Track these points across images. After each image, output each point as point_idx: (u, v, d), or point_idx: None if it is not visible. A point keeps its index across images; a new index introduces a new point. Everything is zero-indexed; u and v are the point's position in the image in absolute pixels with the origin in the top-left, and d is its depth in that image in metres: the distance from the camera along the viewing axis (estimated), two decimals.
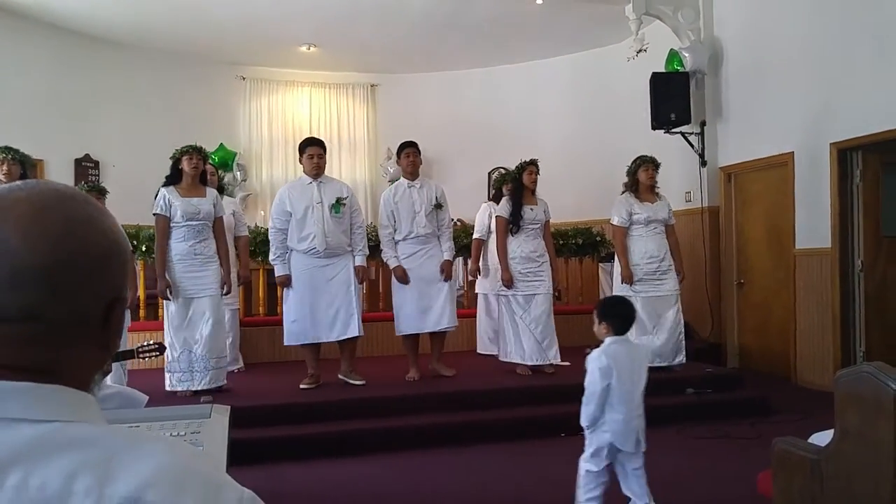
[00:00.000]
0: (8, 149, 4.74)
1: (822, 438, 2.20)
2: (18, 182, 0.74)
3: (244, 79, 9.67)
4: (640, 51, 7.15)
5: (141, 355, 3.49)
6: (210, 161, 5.99)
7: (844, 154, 5.97)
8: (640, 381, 3.15)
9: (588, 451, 3.16)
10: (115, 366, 4.67)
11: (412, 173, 5.51)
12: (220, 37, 8.53)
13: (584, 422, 3.15)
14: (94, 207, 0.74)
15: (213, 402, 2.82)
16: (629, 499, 3.16)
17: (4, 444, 0.63)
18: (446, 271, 5.45)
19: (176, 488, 0.64)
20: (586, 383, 3.12)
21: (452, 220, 5.96)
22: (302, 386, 5.13)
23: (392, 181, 9.60)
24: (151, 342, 3.50)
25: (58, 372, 0.69)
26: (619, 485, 3.18)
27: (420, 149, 5.59)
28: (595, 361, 3.10)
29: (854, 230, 5.99)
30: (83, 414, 0.69)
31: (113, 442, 0.66)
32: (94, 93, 8.36)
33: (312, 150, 5.16)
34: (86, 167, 8.32)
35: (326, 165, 5.29)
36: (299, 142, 5.41)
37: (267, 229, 7.06)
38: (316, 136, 9.77)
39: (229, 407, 2.28)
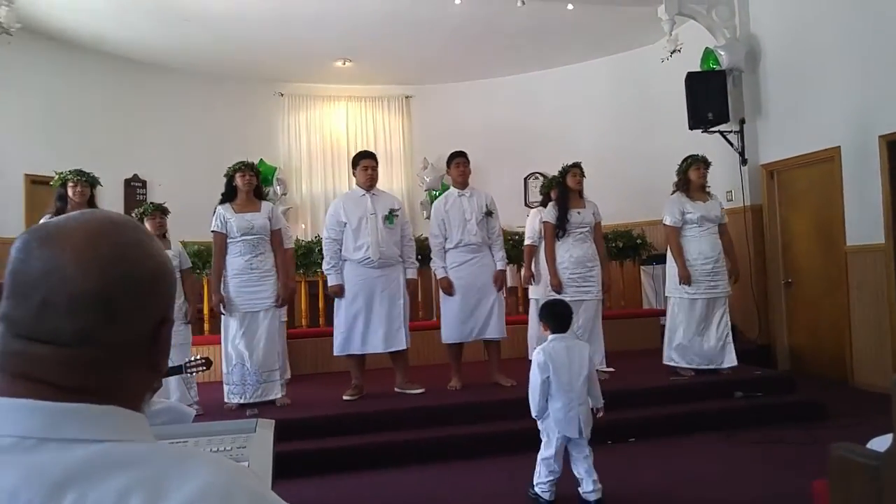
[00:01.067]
0: (80, 172, 4.91)
1: (881, 443, 2.11)
2: (75, 213, 0.78)
3: (282, 95, 9.86)
4: (673, 51, 7.06)
5: (189, 370, 3.55)
6: None
7: (894, 146, 5.78)
8: (580, 374, 3.48)
9: (543, 440, 3.58)
10: (177, 381, 4.79)
11: (462, 183, 5.53)
12: (258, 56, 8.74)
13: (533, 412, 3.55)
14: (142, 232, 0.78)
15: (259, 415, 2.84)
16: (580, 481, 3.55)
17: (61, 464, 0.65)
18: (499, 281, 5.46)
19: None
20: (530, 377, 3.54)
21: None
22: (345, 397, 5.16)
23: (428, 191, 9.67)
24: (199, 357, 3.55)
25: (110, 392, 0.72)
26: (571, 467, 3.58)
27: (469, 158, 5.58)
28: (535, 358, 3.53)
29: None
30: (134, 433, 0.71)
31: (163, 460, 0.68)
32: (141, 115, 8.69)
33: (366, 162, 5.28)
34: (134, 187, 8.63)
35: (375, 178, 5.37)
36: (353, 155, 5.53)
37: (308, 242, 7.20)
38: (352, 148, 9.96)
39: (273, 421, 2.29)
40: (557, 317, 3.64)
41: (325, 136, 10.05)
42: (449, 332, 5.43)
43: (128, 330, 0.73)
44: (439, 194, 9.67)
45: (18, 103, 7.53)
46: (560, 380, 3.45)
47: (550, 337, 3.59)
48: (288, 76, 9.65)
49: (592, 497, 3.50)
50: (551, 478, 3.56)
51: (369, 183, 5.25)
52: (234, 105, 9.42)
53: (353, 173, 5.38)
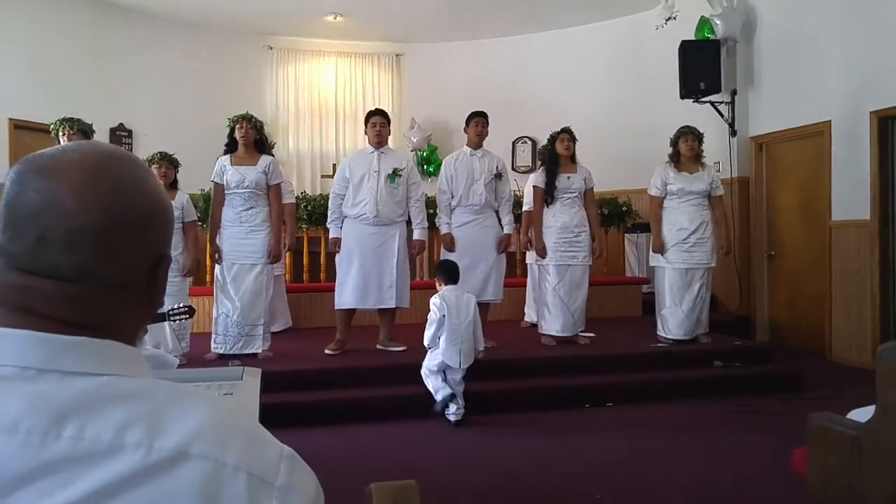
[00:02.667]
0: (70, 120, 4.82)
1: (861, 415, 2.13)
2: (70, 143, 0.76)
3: (271, 48, 9.65)
4: (669, 18, 6.97)
5: (172, 318, 3.52)
6: None
7: (885, 123, 5.77)
8: (466, 318, 4.34)
9: (429, 363, 4.42)
10: (169, 332, 4.78)
11: (477, 143, 5.54)
12: (247, 7, 8.50)
13: (426, 342, 4.43)
14: (139, 168, 0.77)
15: (243, 366, 2.84)
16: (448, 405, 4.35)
17: (62, 395, 0.64)
18: (504, 244, 5.49)
19: (220, 442, 0.66)
20: (429, 316, 4.40)
21: None
22: (327, 351, 5.20)
23: (415, 151, 9.57)
24: (182, 305, 3.52)
25: (108, 328, 0.71)
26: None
27: (488, 120, 5.58)
28: (433, 301, 4.42)
29: (894, 201, 5.81)
30: (133, 368, 0.71)
31: (161, 396, 0.68)
32: (128, 63, 8.47)
33: (375, 119, 5.30)
34: (120, 136, 8.44)
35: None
36: (366, 112, 5.56)
37: (297, 197, 7.14)
38: (341, 105, 9.83)
39: (260, 370, 2.32)
40: (449, 272, 4.58)
41: (313, 91, 9.87)
42: None
43: (126, 266, 0.73)
44: (426, 155, 9.67)
45: (1, 46, 7.30)
46: (451, 320, 4.30)
47: (445, 288, 4.49)
48: (277, 29, 9.42)
49: (453, 418, 4.32)
50: (444, 384, 4.34)
51: (377, 140, 5.25)
52: (221, 56, 9.19)
53: (365, 132, 5.41)
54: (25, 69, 7.48)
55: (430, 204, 5.99)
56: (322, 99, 9.85)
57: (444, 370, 4.35)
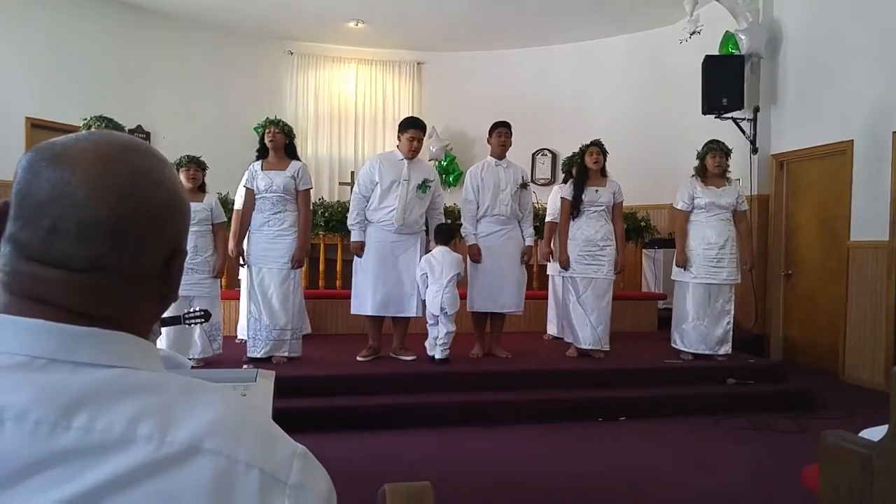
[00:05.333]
0: (103, 118, 4.86)
1: (873, 434, 2.11)
2: (84, 132, 0.74)
3: (291, 53, 9.72)
4: (693, 32, 6.94)
5: (187, 322, 3.54)
6: None
7: None
8: (449, 272, 4.93)
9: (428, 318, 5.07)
10: (200, 333, 4.81)
11: (501, 153, 5.56)
12: (269, 12, 8.59)
13: (421, 296, 5.02)
14: (156, 160, 0.75)
15: (256, 369, 2.86)
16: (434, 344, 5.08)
17: (72, 386, 0.64)
18: (527, 255, 5.52)
19: (232, 438, 0.65)
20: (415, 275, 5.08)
21: None
22: (359, 357, 5.23)
23: (432, 160, 9.60)
24: (198, 309, 3.54)
25: (121, 320, 0.70)
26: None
27: (511, 130, 5.60)
28: (423, 260, 5.02)
29: None
30: (146, 362, 0.70)
31: (174, 390, 0.67)
32: (146, 65, 8.52)
33: (414, 132, 5.19)
34: (139, 138, 8.46)
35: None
36: (402, 118, 5.46)
37: (314, 203, 7.16)
38: (360, 112, 9.89)
39: (274, 373, 2.34)
40: (445, 234, 5.15)
41: (332, 98, 9.94)
42: (477, 302, 5.45)
43: (139, 259, 0.71)
44: (445, 164, 9.70)
45: (18, 45, 7.37)
46: (433, 274, 4.90)
47: (436, 248, 5.03)
48: (298, 34, 9.50)
49: (439, 354, 5.04)
50: (433, 340, 5.07)
51: (411, 155, 5.20)
52: (241, 60, 9.27)
53: (398, 136, 5.30)
54: (43, 68, 7.52)
55: (448, 214, 6.01)
56: (342, 105, 9.92)
57: (435, 318, 5.01)
